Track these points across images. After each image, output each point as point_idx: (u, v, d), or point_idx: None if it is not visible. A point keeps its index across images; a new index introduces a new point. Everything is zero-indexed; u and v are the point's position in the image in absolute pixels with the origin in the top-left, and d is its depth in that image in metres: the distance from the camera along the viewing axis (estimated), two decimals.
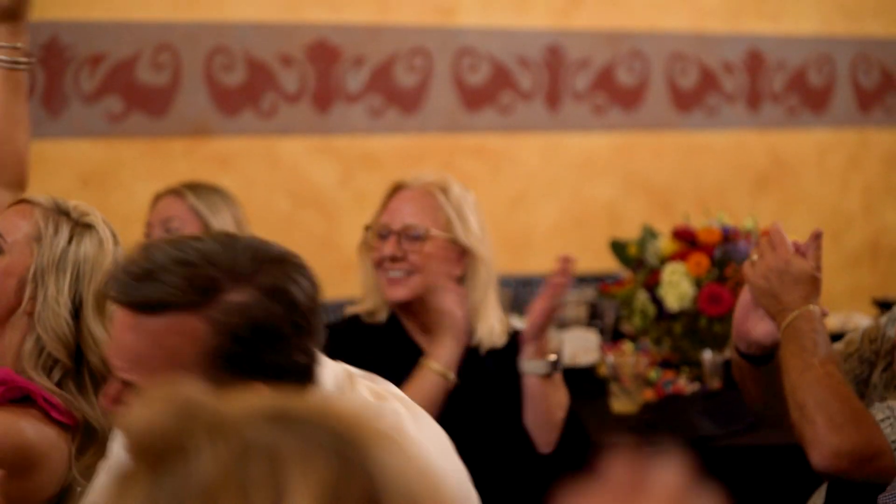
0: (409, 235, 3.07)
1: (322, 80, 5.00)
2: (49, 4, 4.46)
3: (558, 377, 3.10)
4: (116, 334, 1.90)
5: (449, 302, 2.99)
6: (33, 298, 2.49)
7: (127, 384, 1.89)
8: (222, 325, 1.85)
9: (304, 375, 1.92)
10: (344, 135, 5.05)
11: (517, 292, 4.64)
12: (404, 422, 2.02)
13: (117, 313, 1.90)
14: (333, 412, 1.09)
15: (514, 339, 3.09)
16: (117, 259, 2.50)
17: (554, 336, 3.61)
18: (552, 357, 3.08)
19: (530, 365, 3.07)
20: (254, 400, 1.10)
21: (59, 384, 2.45)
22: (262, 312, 1.85)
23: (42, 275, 2.50)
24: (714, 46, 5.52)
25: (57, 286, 2.50)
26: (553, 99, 5.32)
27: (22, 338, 2.50)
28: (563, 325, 4.27)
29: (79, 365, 2.48)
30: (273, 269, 1.88)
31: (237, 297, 1.85)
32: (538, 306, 3.06)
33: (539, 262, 5.03)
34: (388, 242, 3.08)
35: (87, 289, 2.50)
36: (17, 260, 2.51)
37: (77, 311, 2.48)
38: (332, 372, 2.00)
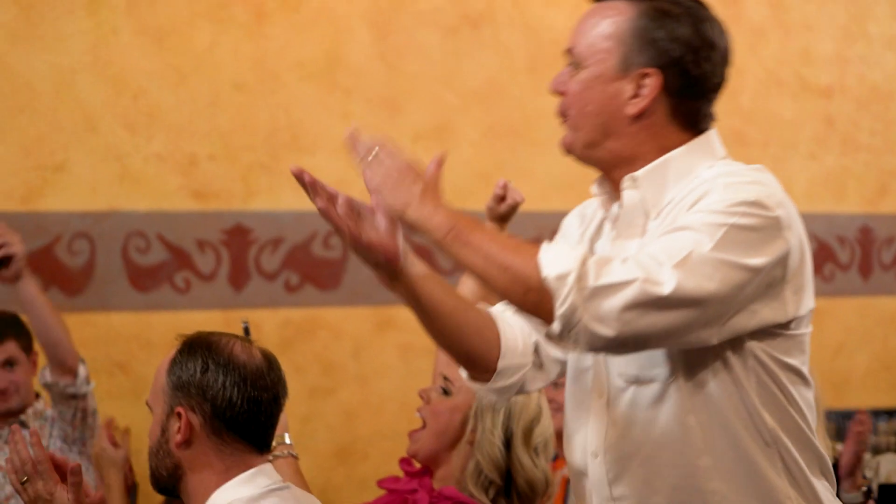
0: None
1: None
2: None
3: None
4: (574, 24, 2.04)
5: None
6: (474, 430, 2.66)
7: (570, 63, 2.03)
8: (648, 4, 1.98)
9: (708, 99, 2.02)
10: None
11: (839, 423, 5.03)
12: None
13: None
14: None
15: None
16: (539, 404, 2.72)
17: (870, 462, 4.17)
18: (864, 488, 3.66)
19: (848, 497, 3.58)
20: None
21: (493, 501, 2.67)
22: (681, 23, 1.97)
23: (481, 412, 2.67)
24: None
25: (493, 421, 2.65)
26: (865, 269, 5.79)
27: (465, 462, 2.66)
28: (878, 451, 4.79)
29: (508, 485, 2.66)
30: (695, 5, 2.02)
31: None
32: (848, 450, 3.59)
33: (856, 399, 5.42)
34: None
35: (516, 424, 2.66)
36: (463, 400, 2.70)
37: (508, 442, 2.64)
38: (720, 146, 2.05)
